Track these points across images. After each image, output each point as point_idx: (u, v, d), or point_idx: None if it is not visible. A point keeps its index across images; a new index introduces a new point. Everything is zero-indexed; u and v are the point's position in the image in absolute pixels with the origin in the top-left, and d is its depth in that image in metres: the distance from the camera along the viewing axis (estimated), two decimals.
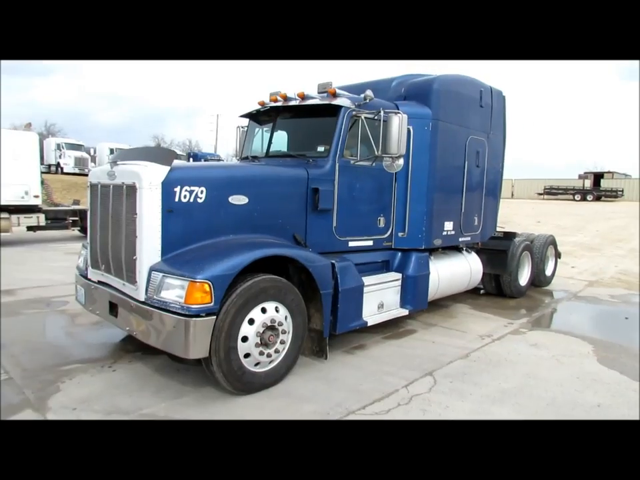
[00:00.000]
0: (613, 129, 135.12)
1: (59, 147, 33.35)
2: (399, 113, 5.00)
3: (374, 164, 5.37)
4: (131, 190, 4.11)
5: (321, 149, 5.28)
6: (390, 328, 6.09)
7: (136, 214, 4.06)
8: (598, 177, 58.04)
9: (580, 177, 60.68)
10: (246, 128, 6.56)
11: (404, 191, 5.84)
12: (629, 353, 5.50)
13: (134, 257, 4.10)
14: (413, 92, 6.01)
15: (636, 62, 71.39)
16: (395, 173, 5.62)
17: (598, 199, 50.95)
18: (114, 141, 35.84)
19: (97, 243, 4.67)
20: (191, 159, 42.77)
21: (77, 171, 32.08)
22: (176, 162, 4.24)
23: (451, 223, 6.39)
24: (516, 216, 23.98)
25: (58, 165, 32.77)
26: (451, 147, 6.19)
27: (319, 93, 5.48)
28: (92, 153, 36.42)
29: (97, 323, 6.00)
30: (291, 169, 5.03)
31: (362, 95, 5.34)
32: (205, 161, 41.82)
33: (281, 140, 6.04)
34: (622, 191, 51.13)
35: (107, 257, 4.54)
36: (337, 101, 5.20)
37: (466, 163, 6.44)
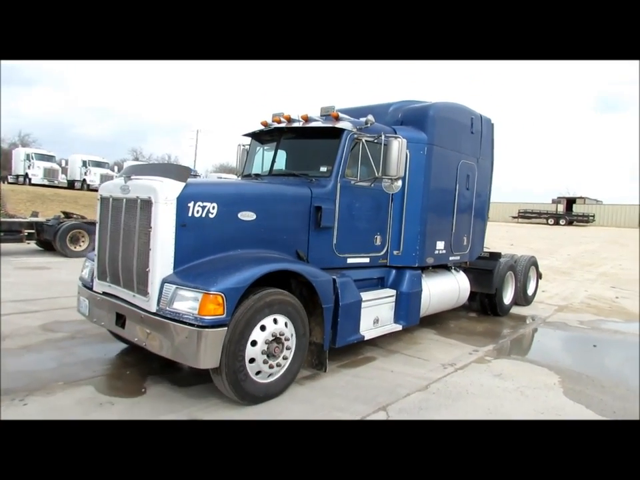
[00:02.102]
0: (586, 157, 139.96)
1: (28, 157, 32.50)
2: (398, 137, 5.28)
3: (372, 185, 5.63)
4: (146, 204, 4.26)
5: (323, 169, 5.52)
6: (348, 355, 5.78)
7: (151, 227, 4.20)
8: (570, 202, 60.07)
9: (553, 201, 62.71)
10: (247, 146, 6.78)
11: (400, 211, 6.12)
12: (595, 385, 5.27)
13: (147, 269, 4.23)
14: (410, 117, 6.34)
15: (610, 94, 73.49)
16: (392, 194, 5.90)
17: (570, 223, 52.61)
18: (93, 154, 35.15)
19: (106, 254, 4.77)
20: None
21: (45, 182, 31.28)
22: (190, 178, 4.42)
23: (443, 242, 6.68)
24: (490, 238, 24.28)
25: (26, 175, 31.92)
26: (444, 170, 6.52)
27: (321, 115, 5.74)
28: (63, 165, 35.75)
29: (25, 347, 5.59)
30: (296, 188, 5.24)
31: (363, 119, 5.62)
32: None
33: (280, 159, 6.28)
34: (593, 216, 52.96)
35: (116, 269, 4.64)
36: (339, 124, 5.46)
37: (457, 185, 6.78)
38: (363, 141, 5.45)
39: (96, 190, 29.15)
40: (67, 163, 35.99)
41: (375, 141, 5.54)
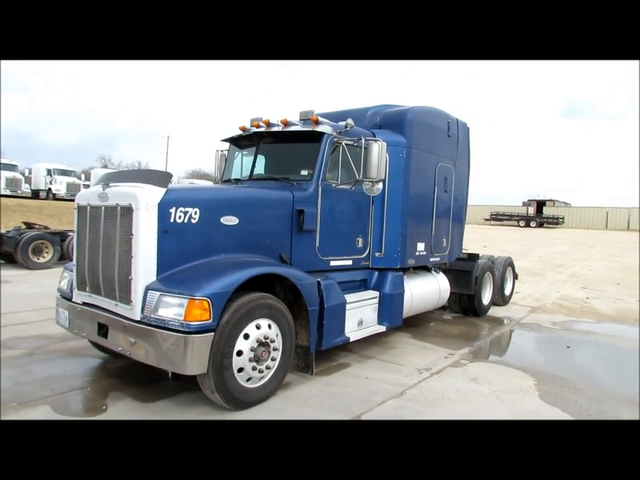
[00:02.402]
0: (554, 161, 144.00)
1: None
2: (378, 140, 5.35)
3: (353, 187, 5.68)
4: (127, 211, 4.19)
5: (304, 172, 5.54)
6: (322, 362, 5.61)
7: (132, 234, 4.13)
8: (541, 204, 61.61)
9: (524, 204, 64.19)
10: (226, 152, 6.75)
11: (380, 214, 6.17)
12: (569, 387, 5.23)
13: (129, 277, 4.15)
14: (388, 121, 6.42)
15: (577, 100, 75.62)
16: (373, 196, 5.95)
17: (540, 225, 53.85)
18: (58, 162, 34.16)
19: (85, 264, 4.67)
20: None
21: (8, 192, 29.93)
22: (170, 184, 4.37)
23: (423, 243, 6.77)
24: (463, 240, 24.76)
25: None
26: (423, 173, 6.62)
27: (300, 119, 5.76)
28: (27, 174, 34.76)
29: None
30: (278, 192, 5.24)
31: (343, 123, 5.67)
32: None
33: (260, 164, 6.27)
34: (562, 218, 54.45)
35: (96, 278, 4.54)
36: (319, 128, 5.50)
37: (436, 188, 6.89)
38: (343, 144, 5.50)
39: (62, 199, 28.28)
40: (30, 172, 34.83)
41: (355, 144, 5.59)
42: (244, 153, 6.48)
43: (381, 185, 5.50)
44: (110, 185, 4.46)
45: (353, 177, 5.55)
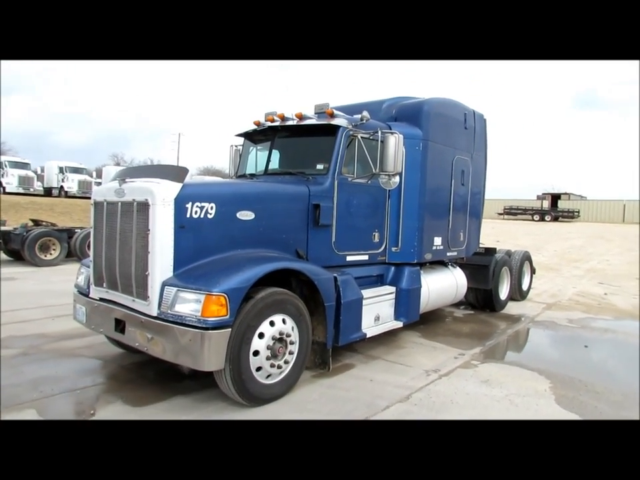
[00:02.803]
0: (568, 153, 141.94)
1: (1, 165, 31.46)
2: (395, 132, 5.26)
3: (369, 181, 5.60)
4: (143, 207, 4.17)
5: (320, 166, 5.48)
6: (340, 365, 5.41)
7: (149, 230, 4.11)
8: (555, 198, 60.68)
9: (538, 197, 63.32)
10: (240, 147, 6.71)
11: (397, 208, 6.09)
12: (588, 390, 4.92)
13: (146, 273, 4.14)
14: (404, 113, 6.33)
15: (587, 92, 74.61)
16: (389, 190, 5.88)
17: (555, 219, 52.95)
18: (70, 160, 34.45)
19: (102, 260, 4.66)
20: None
21: (20, 190, 30.47)
22: (187, 179, 4.34)
23: (440, 238, 6.68)
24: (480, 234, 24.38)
25: (0, 184, 31.15)
26: (440, 166, 6.52)
27: (315, 113, 5.70)
28: (39, 172, 35.17)
29: None
30: (294, 186, 5.19)
31: (358, 116, 5.59)
32: None
33: (274, 158, 6.23)
34: (578, 211, 53.49)
35: (113, 274, 4.54)
36: (335, 121, 5.43)
37: (452, 181, 6.78)
38: (359, 137, 5.42)
39: (74, 197, 28.63)
40: (42, 170, 35.33)
41: (371, 137, 5.51)
42: (258, 147, 6.44)
43: (397, 179, 5.41)
44: (126, 180, 4.45)
45: (369, 171, 5.47)
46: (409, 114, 6.29)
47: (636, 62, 3.08)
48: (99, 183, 36.20)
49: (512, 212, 55.86)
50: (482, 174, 7.77)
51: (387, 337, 6.35)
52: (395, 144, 5.23)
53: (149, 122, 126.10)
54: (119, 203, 4.45)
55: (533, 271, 9.84)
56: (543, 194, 63.99)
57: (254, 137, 6.32)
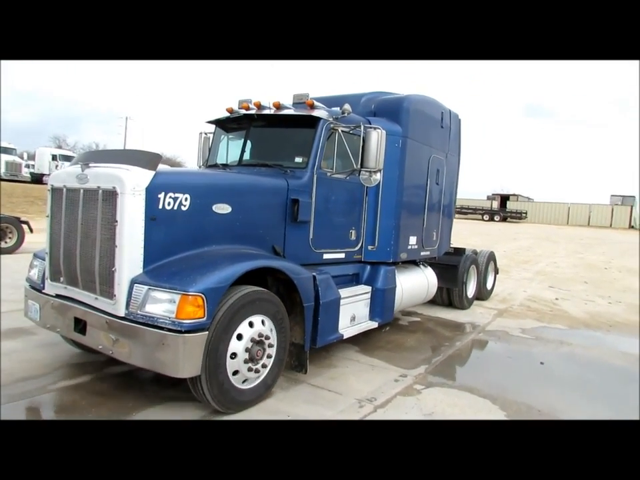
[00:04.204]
0: (519, 157, 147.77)
1: None
2: (378, 128, 5.08)
3: (348, 177, 5.40)
4: (110, 195, 3.78)
5: (298, 159, 5.22)
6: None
7: (116, 221, 3.73)
8: (504, 198, 62.78)
9: (488, 198, 65.34)
10: (210, 134, 6.34)
11: (374, 205, 5.93)
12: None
13: (112, 269, 3.76)
14: (383, 109, 6.15)
15: (537, 101, 77.57)
16: (366, 187, 5.70)
17: (504, 219, 54.66)
18: (13, 141, 33.44)
19: (60, 252, 4.22)
20: None
21: (8, 177, 29.59)
22: (160, 167, 3.98)
23: (415, 237, 6.58)
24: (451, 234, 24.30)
25: None
26: (417, 164, 6.40)
27: (294, 103, 5.42)
28: (25, 158, 33.78)
29: None
30: (272, 179, 4.91)
31: (336, 109, 5.37)
32: None
33: (247, 148, 5.91)
34: (526, 212, 55.55)
35: (73, 268, 4.11)
36: (315, 113, 5.18)
37: (428, 180, 6.69)
38: (339, 131, 5.19)
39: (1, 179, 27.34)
40: (27, 157, 34.08)
41: (351, 131, 5.31)
42: (230, 136, 6.10)
43: (379, 176, 5.23)
44: (90, 165, 4.02)
45: (348, 166, 5.27)
46: (388, 109, 6.12)
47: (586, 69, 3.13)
48: (32, 166, 35.07)
49: (462, 211, 57.20)
50: (455, 174, 7.75)
51: (319, 352, 5.47)
52: (377, 140, 5.05)
53: (102, 104, 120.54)
54: (81, 190, 4.03)
55: (496, 271, 9.99)
56: (493, 194, 66.05)
57: (226, 124, 5.96)
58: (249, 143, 5.74)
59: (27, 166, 35.74)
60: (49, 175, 32.18)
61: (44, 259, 4.54)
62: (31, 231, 12.40)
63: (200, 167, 6.40)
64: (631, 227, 53.86)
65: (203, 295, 3.58)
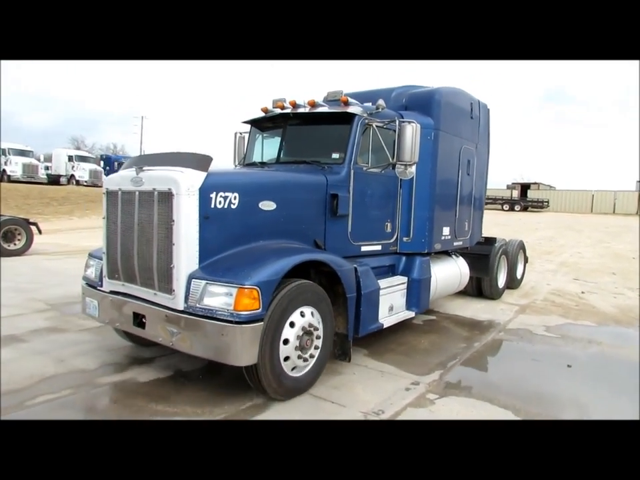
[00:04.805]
0: (539, 145, 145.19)
1: (4, 152, 30.83)
2: (413, 122, 5.21)
3: (383, 171, 5.55)
4: (166, 196, 4.00)
5: (335, 155, 5.38)
6: (234, 401, 4.17)
7: (173, 221, 3.95)
8: (525, 187, 61.60)
9: (508, 187, 64.33)
10: (245, 134, 6.55)
11: (408, 198, 6.06)
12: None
13: (171, 266, 3.99)
14: (414, 102, 6.27)
15: (556, 87, 75.59)
16: (400, 180, 5.84)
17: (525, 209, 53.28)
18: (30, 144, 34.13)
19: (117, 252, 4.47)
20: (102, 162, 40.96)
21: (25, 179, 30.26)
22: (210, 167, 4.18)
23: (448, 228, 6.69)
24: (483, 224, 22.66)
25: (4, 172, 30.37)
26: (449, 156, 6.51)
27: (328, 100, 5.59)
28: (41, 160, 34.62)
29: None
30: (312, 176, 5.09)
31: (369, 104, 5.53)
32: (118, 164, 40.68)
33: (275, 146, 6.10)
34: (547, 201, 54.28)
35: (131, 266, 4.36)
36: (350, 109, 5.33)
37: (459, 171, 6.79)
38: (374, 126, 5.35)
39: (17, 181, 28.16)
40: (44, 159, 35.01)
41: (385, 126, 5.45)
42: (265, 135, 6.29)
43: (414, 169, 5.37)
44: (144, 168, 4.26)
45: (383, 160, 5.42)
46: (419, 103, 6.24)
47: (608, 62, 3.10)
48: (48, 167, 35.85)
49: None
50: (485, 164, 7.82)
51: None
52: (412, 133, 5.18)
53: (119, 106, 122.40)
54: (137, 192, 4.26)
55: (526, 260, 10.02)
56: (513, 183, 64.92)
57: (262, 124, 6.16)
58: (275, 141, 5.93)
59: (46, 168, 36.34)
60: (65, 175, 33.13)
61: (99, 258, 4.81)
62: (40, 232, 12.54)
63: (236, 165, 6.61)
64: None
65: (258, 288, 3.78)
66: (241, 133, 6.66)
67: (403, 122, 5.24)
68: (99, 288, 4.80)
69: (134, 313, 4.38)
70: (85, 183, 34.50)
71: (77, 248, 13.07)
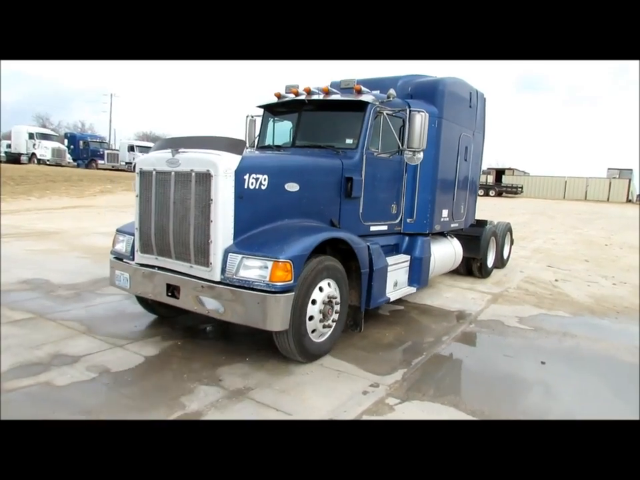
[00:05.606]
0: (513, 131, 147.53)
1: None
2: (422, 111, 5.62)
3: (391, 156, 5.97)
4: (204, 177, 4.32)
5: (349, 141, 5.76)
6: (167, 411, 3.63)
7: (211, 200, 4.29)
8: (500, 173, 62.68)
9: (483, 172, 65.22)
10: (256, 117, 6.87)
11: (412, 181, 6.50)
12: None
13: (209, 241, 4.34)
14: (420, 91, 6.66)
15: (531, 74, 75.68)
16: (406, 165, 6.26)
17: (499, 194, 53.84)
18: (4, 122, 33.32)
19: (151, 228, 4.78)
20: (66, 141, 40.56)
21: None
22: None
23: (446, 210, 7.18)
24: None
25: None
26: (450, 143, 6.96)
27: (342, 88, 5.95)
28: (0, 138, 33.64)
29: None
30: (330, 159, 5.46)
31: (377, 92, 5.91)
32: (84, 142, 40.00)
33: (286, 131, 6.46)
34: (521, 187, 55.45)
35: (166, 242, 4.67)
36: (363, 97, 5.69)
37: (458, 157, 7.26)
38: (384, 114, 5.74)
39: None
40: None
41: (395, 114, 5.84)
42: (276, 119, 6.62)
43: (421, 155, 5.80)
44: (180, 150, 4.56)
45: (390, 146, 5.83)
46: (425, 92, 6.63)
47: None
48: (10, 146, 34.93)
49: None
50: (480, 150, 8.31)
51: (277, 352, 4.62)
52: (421, 122, 5.59)
53: (93, 83, 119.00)
54: (172, 173, 4.57)
55: (511, 242, 10.63)
56: (488, 169, 65.73)
57: (276, 108, 6.47)
58: (282, 125, 6.28)
59: (8, 146, 35.52)
60: (26, 154, 32.13)
61: (129, 234, 5.12)
62: None
63: (250, 148, 6.91)
64: (629, 200, 54.52)
65: (291, 262, 4.18)
66: (252, 117, 6.95)
67: (413, 111, 5.65)
68: (127, 261, 5.11)
69: (167, 285, 4.72)
70: (48, 162, 33.70)
71: (29, 230, 12.14)
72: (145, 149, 40.84)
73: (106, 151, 40.00)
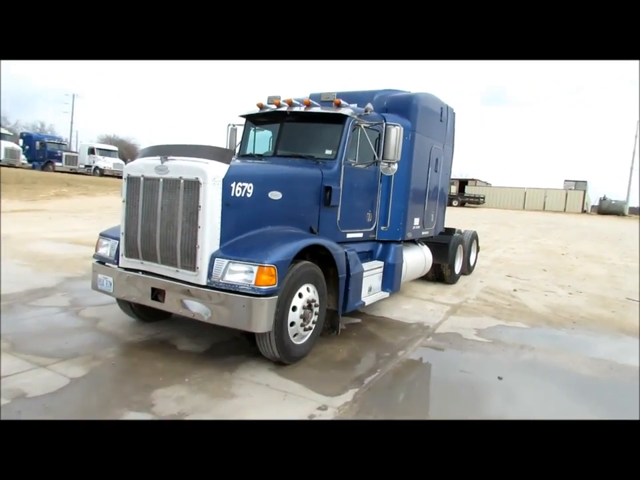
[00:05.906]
0: (476, 143, 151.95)
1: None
2: (397, 125, 5.94)
3: (367, 167, 6.27)
4: (193, 185, 4.49)
5: (328, 152, 6.03)
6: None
7: (199, 206, 4.46)
8: (463, 183, 64.41)
9: None
10: (237, 126, 7.06)
11: (387, 191, 6.82)
12: None
13: (196, 246, 4.50)
14: (395, 106, 7.01)
15: (495, 89, 77.01)
16: (380, 175, 6.58)
17: (462, 204, 54.96)
18: None
19: (138, 233, 4.89)
20: (21, 141, 39.09)
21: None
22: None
23: (418, 219, 7.54)
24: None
25: None
26: (422, 155, 7.34)
27: (322, 100, 6.23)
28: None
29: None
30: (310, 169, 5.71)
31: (354, 105, 6.22)
32: (40, 143, 38.67)
33: (265, 141, 6.70)
34: (484, 197, 56.94)
35: (152, 247, 4.80)
36: (342, 111, 5.98)
37: (429, 168, 7.64)
38: (362, 126, 6.04)
39: None
40: None
41: (371, 127, 6.15)
42: (257, 128, 6.83)
43: (396, 166, 6.12)
44: (168, 158, 4.71)
45: (366, 157, 6.14)
46: (399, 106, 6.98)
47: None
48: None
49: None
50: (450, 162, 8.75)
51: (220, 374, 4.55)
52: (396, 135, 5.92)
53: (59, 83, 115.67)
54: (161, 180, 4.71)
55: (477, 249, 11.14)
56: (452, 179, 67.21)
57: (258, 119, 6.68)
58: (261, 135, 6.53)
59: None
60: None
61: (113, 238, 5.22)
62: None
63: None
64: (584, 211, 56.97)
65: (275, 266, 4.39)
66: (233, 125, 7.13)
67: (389, 124, 5.97)
68: (111, 265, 5.20)
69: (152, 288, 4.85)
70: (0, 163, 31.90)
71: None
72: (106, 152, 40.02)
73: (64, 153, 38.49)
